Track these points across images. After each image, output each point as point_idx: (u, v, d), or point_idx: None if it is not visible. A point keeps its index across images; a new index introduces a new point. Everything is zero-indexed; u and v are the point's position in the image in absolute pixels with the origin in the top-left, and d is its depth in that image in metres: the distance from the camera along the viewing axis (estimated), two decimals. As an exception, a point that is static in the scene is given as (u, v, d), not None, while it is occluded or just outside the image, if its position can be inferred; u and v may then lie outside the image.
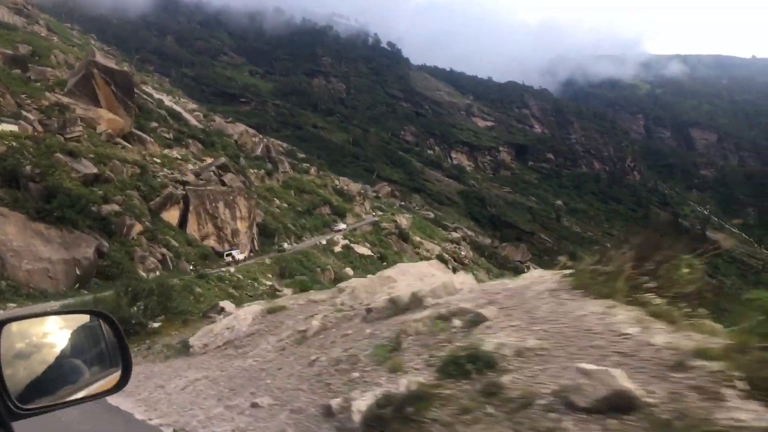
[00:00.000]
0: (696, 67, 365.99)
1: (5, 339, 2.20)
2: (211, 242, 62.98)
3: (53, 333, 2.56)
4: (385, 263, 77.18)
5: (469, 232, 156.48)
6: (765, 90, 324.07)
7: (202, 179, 66.16)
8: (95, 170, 57.27)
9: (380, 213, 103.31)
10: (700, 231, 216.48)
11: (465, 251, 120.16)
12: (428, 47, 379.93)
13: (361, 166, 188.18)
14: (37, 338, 2.46)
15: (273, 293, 53.34)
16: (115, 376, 2.66)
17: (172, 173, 65.24)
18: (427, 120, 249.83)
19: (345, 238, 78.14)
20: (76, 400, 2.40)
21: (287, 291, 54.39)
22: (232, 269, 55.13)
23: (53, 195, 48.34)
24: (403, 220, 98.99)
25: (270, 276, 57.51)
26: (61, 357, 2.51)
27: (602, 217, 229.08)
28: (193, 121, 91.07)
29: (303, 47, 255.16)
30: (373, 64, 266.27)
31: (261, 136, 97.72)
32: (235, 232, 64.24)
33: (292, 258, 64.23)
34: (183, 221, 61.64)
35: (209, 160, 74.88)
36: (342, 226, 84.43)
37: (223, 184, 67.59)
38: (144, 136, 72.80)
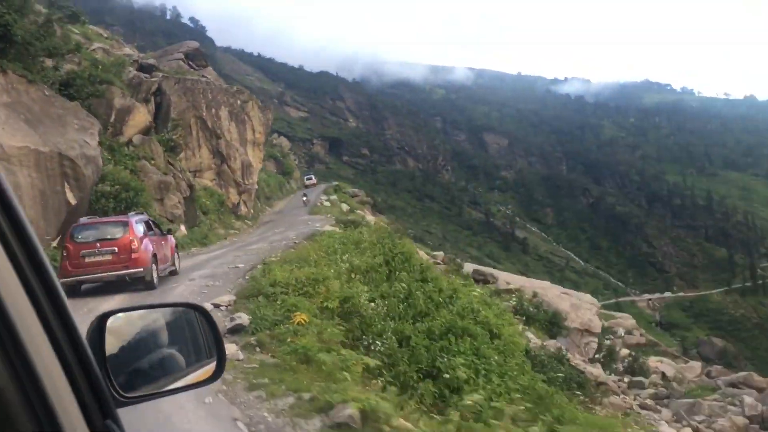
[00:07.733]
0: (480, 77, 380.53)
1: (110, 330, 2.23)
2: (206, 181, 32.37)
3: (154, 324, 2.60)
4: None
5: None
6: (542, 100, 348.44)
7: (174, 71, 34.94)
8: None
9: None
10: (509, 230, 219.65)
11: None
12: (230, 27, 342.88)
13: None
14: (139, 330, 2.50)
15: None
16: (210, 367, 2.69)
17: (111, 49, 33.37)
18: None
19: (342, 201, 51.25)
20: (176, 389, 2.49)
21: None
22: (327, 227, 26.35)
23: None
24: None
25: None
26: (162, 348, 2.57)
27: (419, 214, 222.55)
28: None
29: (90, 14, 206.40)
30: (173, 41, 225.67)
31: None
32: (246, 168, 34.16)
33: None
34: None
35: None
36: (313, 179, 69.83)
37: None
38: None
